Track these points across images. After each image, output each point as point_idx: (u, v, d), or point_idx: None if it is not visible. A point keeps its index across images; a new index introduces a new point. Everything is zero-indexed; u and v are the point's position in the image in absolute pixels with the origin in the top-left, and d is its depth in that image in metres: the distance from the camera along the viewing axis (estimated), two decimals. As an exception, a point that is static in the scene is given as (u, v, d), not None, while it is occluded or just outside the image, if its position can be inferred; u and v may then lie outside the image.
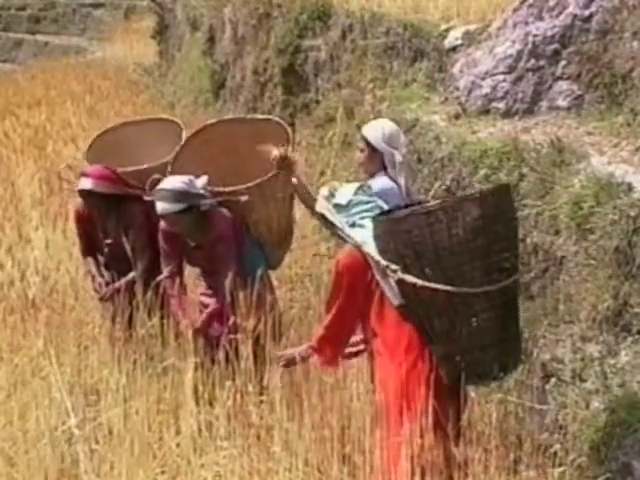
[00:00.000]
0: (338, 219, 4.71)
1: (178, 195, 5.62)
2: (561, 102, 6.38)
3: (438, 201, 4.47)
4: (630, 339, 4.80)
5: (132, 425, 4.75)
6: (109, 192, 6.13)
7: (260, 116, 7.20)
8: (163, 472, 4.65)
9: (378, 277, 4.48)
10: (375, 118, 7.84)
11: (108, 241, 6.26)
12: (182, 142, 6.35)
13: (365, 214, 4.66)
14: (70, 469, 4.70)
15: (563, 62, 6.41)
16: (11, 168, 11.69)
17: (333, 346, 4.73)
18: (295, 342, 5.49)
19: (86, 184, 6.11)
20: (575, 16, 6.37)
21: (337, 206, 4.72)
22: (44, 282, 7.00)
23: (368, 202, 4.74)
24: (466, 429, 4.42)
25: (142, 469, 4.55)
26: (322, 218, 4.84)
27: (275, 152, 5.46)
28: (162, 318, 5.77)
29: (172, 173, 5.86)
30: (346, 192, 4.75)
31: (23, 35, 26.79)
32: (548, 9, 6.51)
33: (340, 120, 9.07)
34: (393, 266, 4.35)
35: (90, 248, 6.42)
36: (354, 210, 4.70)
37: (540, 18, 6.55)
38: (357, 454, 4.50)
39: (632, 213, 4.84)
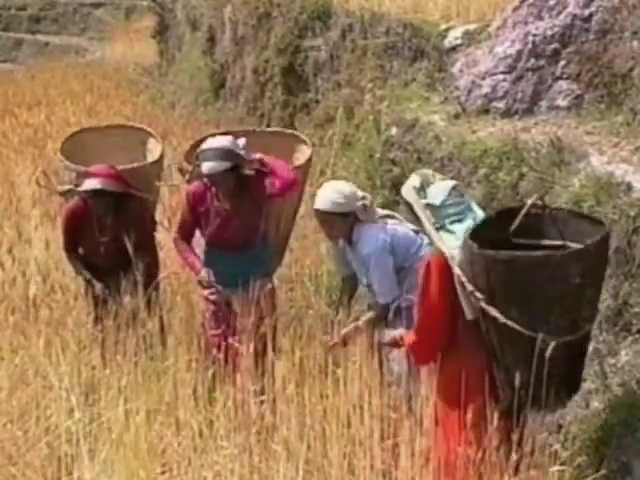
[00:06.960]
0: (426, 218, 4.48)
1: (225, 153, 5.62)
2: (561, 102, 6.38)
3: (542, 253, 4.16)
4: (630, 338, 4.80)
5: (132, 425, 4.75)
6: (117, 191, 6.14)
7: (269, 129, 7.23)
8: (163, 472, 4.65)
9: (457, 286, 4.33)
10: (375, 118, 7.88)
11: (104, 239, 6.24)
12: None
13: (455, 218, 4.46)
14: (70, 469, 4.70)
15: (563, 62, 6.41)
16: (10, 168, 11.69)
17: (425, 349, 4.58)
18: (295, 342, 5.48)
19: (96, 184, 6.09)
20: (575, 16, 6.37)
21: (429, 205, 4.49)
22: (44, 282, 6.99)
23: (460, 204, 4.53)
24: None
25: (142, 469, 4.54)
26: (407, 206, 4.60)
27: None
28: (162, 319, 5.77)
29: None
30: (439, 191, 4.52)
31: (23, 35, 26.78)
32: (548, 9, 6.51)
33: (340, 120, 9.07)
34: (478, 294, 4.19)
35: (75, 247, 6.41)
36: (446, 212, 4.48)
37: (540, 18, 6.55)
38: (358, 454, 4.50)
39: (632, 213, 4.84)
